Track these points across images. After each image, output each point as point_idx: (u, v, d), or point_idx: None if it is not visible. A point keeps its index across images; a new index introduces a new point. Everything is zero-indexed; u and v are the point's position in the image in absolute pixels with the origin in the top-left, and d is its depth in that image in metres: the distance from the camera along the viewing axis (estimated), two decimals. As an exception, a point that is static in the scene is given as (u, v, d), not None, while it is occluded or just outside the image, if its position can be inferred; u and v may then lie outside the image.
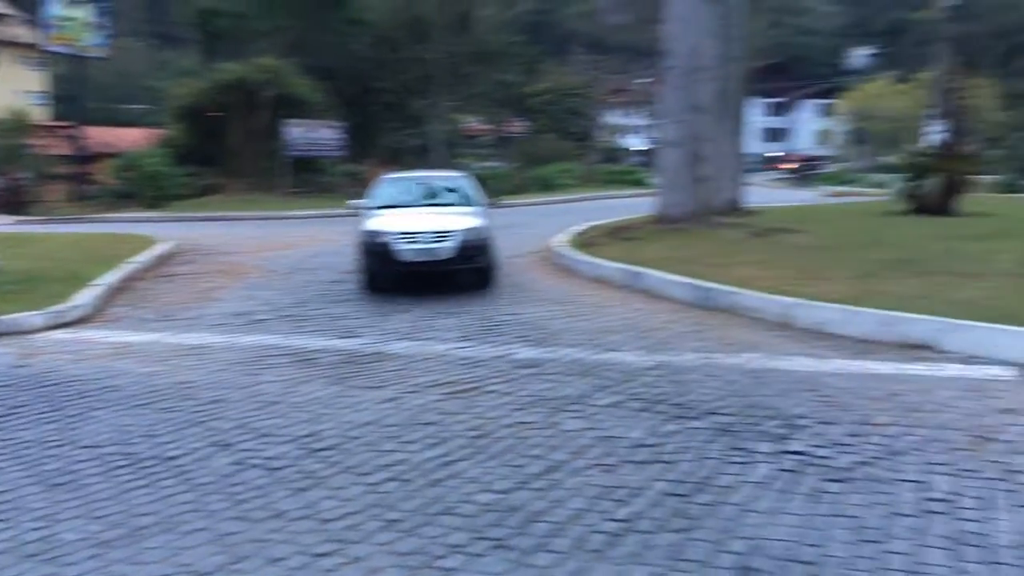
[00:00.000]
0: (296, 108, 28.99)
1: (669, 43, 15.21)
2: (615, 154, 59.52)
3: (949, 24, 22.88)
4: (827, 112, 79.87)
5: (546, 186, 35.96)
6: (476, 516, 3.94)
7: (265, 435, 5.11)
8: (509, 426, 5.21)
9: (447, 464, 4.59)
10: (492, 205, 11.67)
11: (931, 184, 16.39)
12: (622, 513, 3.94)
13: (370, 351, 7.29)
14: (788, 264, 10.41)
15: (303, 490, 4.27)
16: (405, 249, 9.78)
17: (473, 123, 45.42)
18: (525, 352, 7.17)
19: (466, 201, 11.20)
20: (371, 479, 4.40)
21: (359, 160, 32.62)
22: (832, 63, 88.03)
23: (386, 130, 35.63)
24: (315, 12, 32.48)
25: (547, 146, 42.45)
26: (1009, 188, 39.78)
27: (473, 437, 5.01)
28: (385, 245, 9.83)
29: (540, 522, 3.87)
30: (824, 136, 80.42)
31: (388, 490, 4.26)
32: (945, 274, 9.26)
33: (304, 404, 5.73)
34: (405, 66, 33.78)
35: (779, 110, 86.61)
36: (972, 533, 3.66)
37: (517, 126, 45.99)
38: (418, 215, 10.41)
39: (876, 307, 7.63)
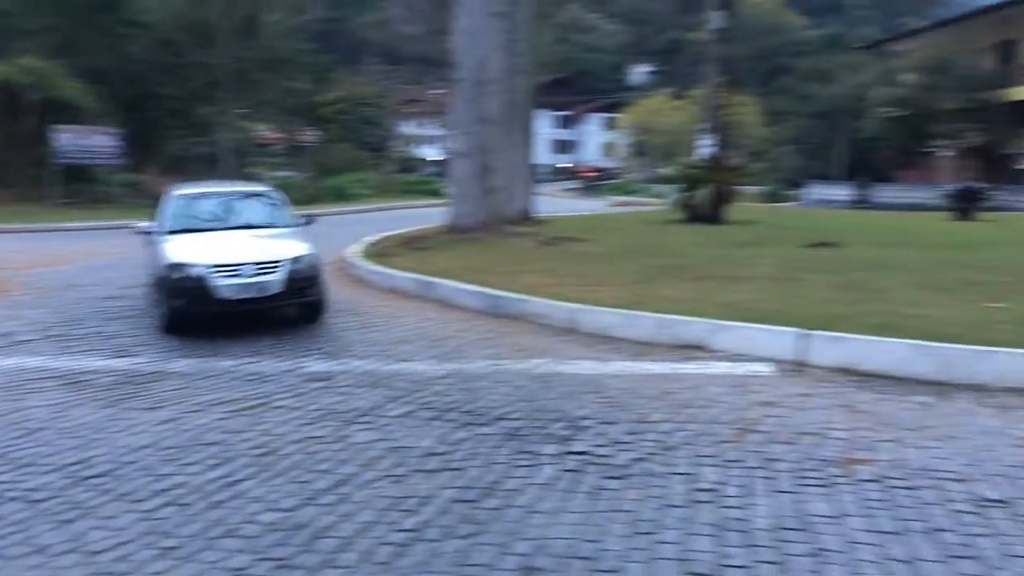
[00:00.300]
0: (66, 113, 27.01)
1: (457, 56, 15.45)
2: (411, 164, 59.71)
3: (717, 45, 24.57)
4: (611, 125, 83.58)
5: (340, 196, 35.50)
6: (260, 536, 3.83)
7: (27, 465, 4.72)
8: (297, 442, 5.09)
9: (230, 485, 4.43)
10: (307, 222, 10.01)
11: (702, 194, 17.55)
12: (410, 523, 3.95)
13: (149, 370, 6.91)
14: (574, 271, 10.81)
15: (69, 522, 3.99)
16: (225, 285, 8.15)
17: (264, 131, 44.11)
18: (316, 365, 7.04)
19: (279, 220, 9.73)
20: (146, 505, 4.17)
21: (140, 169, 30.88)
22: (615, 79, 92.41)
23: (169, 138, 33.89)
24: (86, 12, 30.40)
25: (341, 156, 41.94)
26: (772, 197, 43.32)
27: (259, 455, 4.87)
28: (199, 280, 8.12)
29: (327, 538, 3.81)
30: (609, 148, 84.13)
31: (164, 516, 4.05)
32: (715, 278, 9.93)
33: (73, 430, 5.35)
34: (189, 71, 32.29)
35: (567, 123, 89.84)
36: (734, 519, 3.94)
37: (310, 135, 45.12)
38: (231, 241, 8.85)
39: (653, 311, 8.07)
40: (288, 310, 8.93)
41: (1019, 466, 4.59)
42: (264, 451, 4.93)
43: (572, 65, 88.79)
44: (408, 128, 64.45)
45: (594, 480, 4.46)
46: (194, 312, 8.30)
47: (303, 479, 4.50)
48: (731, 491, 4.28)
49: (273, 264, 8.39)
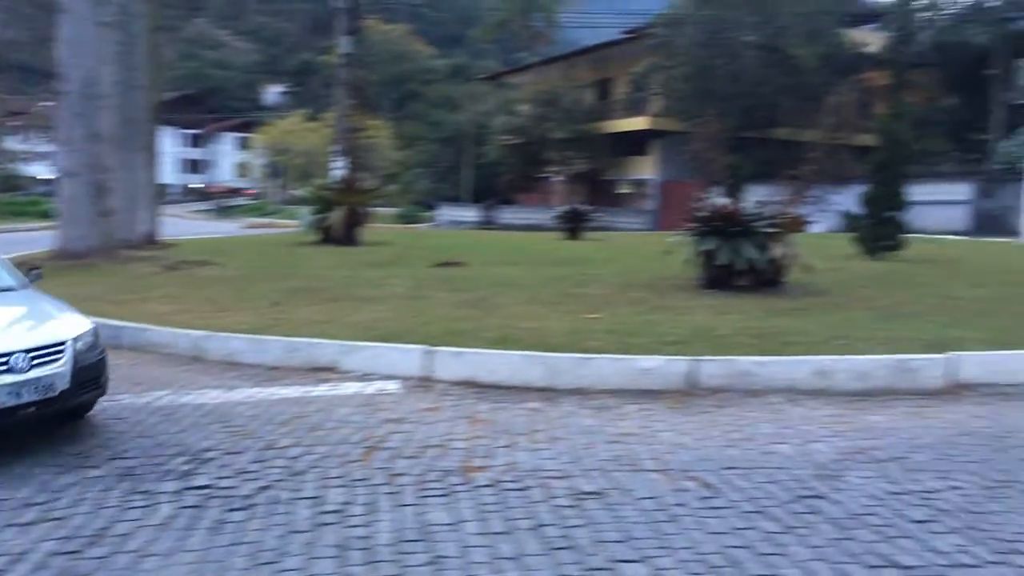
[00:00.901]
0: None
1: (64, 67, 14.19)
2: (15, 183, 53.69)
3: (347, 69, 24.97)
4: (245, 145, 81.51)
5: (-76, 218, 30.93)
6: None
7: None
8: None
9: None
10: (36, 277, 6.80)
11: (336, 216, 17.70)
12: (-2, 585, 3.53)
13: None
14: (202, 297, 10.38)
15: None
16: None
17: None
18: None
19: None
20: None
21: None
22: (249, 98, 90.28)
23: None
24: None
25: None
26: (406, 219, 44.78)
27: None
28: None
29: None
30: (243, 169, 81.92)
31: None
32: (347, 299, 10.05)
33: None
34: None
35: (197, 141, 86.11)
36: (358, 537, 3.99)
37: None
38: None
39: (284, 334, 7.98)
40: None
41: (612, 460, 5.14)
42: None
43: (202, 82, 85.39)
44: (12, 143, 57.82)
45: (216, 514, 4.29)
46: None
47: None
48: (356, 510, 4.34)
49: (54, 349, 5.47)
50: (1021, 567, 3.65)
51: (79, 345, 5.63)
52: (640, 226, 35.62)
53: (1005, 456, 5.23)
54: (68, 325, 5.81)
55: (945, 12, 37.25)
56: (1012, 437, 5.65)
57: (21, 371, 5.22)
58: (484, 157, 47.50)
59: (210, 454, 5.24)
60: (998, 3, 35.45)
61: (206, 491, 4.61)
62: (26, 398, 5.22)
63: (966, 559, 3.72)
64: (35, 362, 5.30)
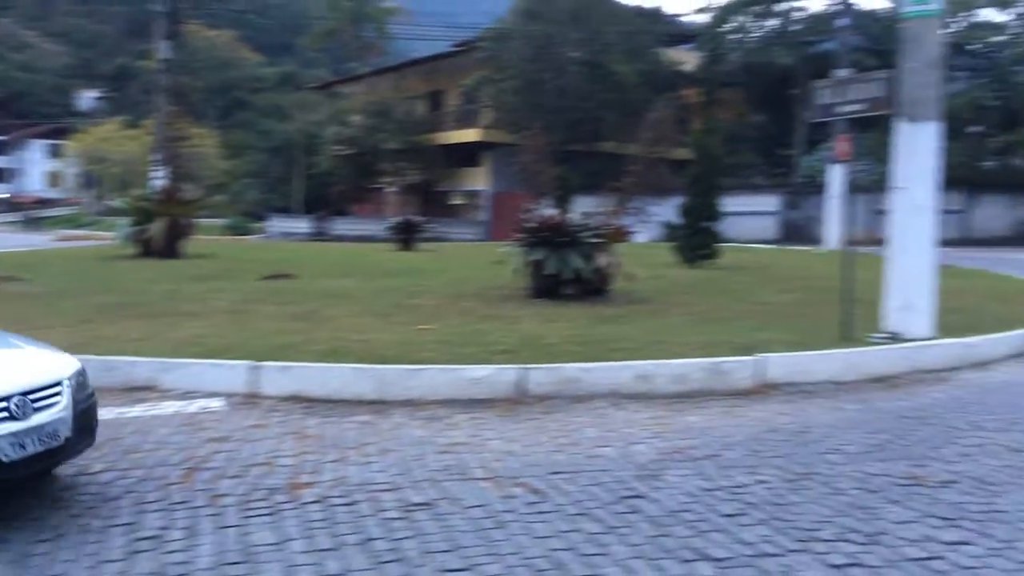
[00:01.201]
0: None
1: None
2: None
3: (167, 75, 24.00)
4: (57, 153, 76.88)
5: None
6: None
7: None
8: None
9: None
10: None
11: (156, 228, 16.94)
12: None
13: None
14: (5, 315, 9.65)
15: None
16: None
17: None
18: None
19: None
20: None
21: None
22: (60, 103, 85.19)
23: None
24: None
25: None
26: (235, 230, 43.35)
27: None
28: None
29: None
30: (55, 177, 77.23)
31: None
32: (167, 315, 9.64)
33: None
34: None
35: (2, 149, 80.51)
36: (176, 563, 3.83)
37: None
38: None
39: (98, 353, 7.54)
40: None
41: (441, 470, 5.17)
42: None
43: (7, 85, 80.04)
44: None
45: (20, 547, 4.02)
46: None
47: None
48: (175, 535, 4.17)
49: (52, 391, 4.58)
50: (819, 553, 3.93)
51: (73, 385, 4.74)
52: (473, 237, 35.96)
53: (806, 450, 5.63)
54: (58, 363, 4.90)
55: (753, 35, 39.72)
56: (812, 432, 6.09)
57: (24, 417, 4.30)
58: (316, 167, 46.64)
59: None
60: (800, 27, 38.16)
61: (9, 523, 4.31)
62: (30, 449, 4.30)
63: (770, 548, 3.98)
64: (36, 406, 4.41)
